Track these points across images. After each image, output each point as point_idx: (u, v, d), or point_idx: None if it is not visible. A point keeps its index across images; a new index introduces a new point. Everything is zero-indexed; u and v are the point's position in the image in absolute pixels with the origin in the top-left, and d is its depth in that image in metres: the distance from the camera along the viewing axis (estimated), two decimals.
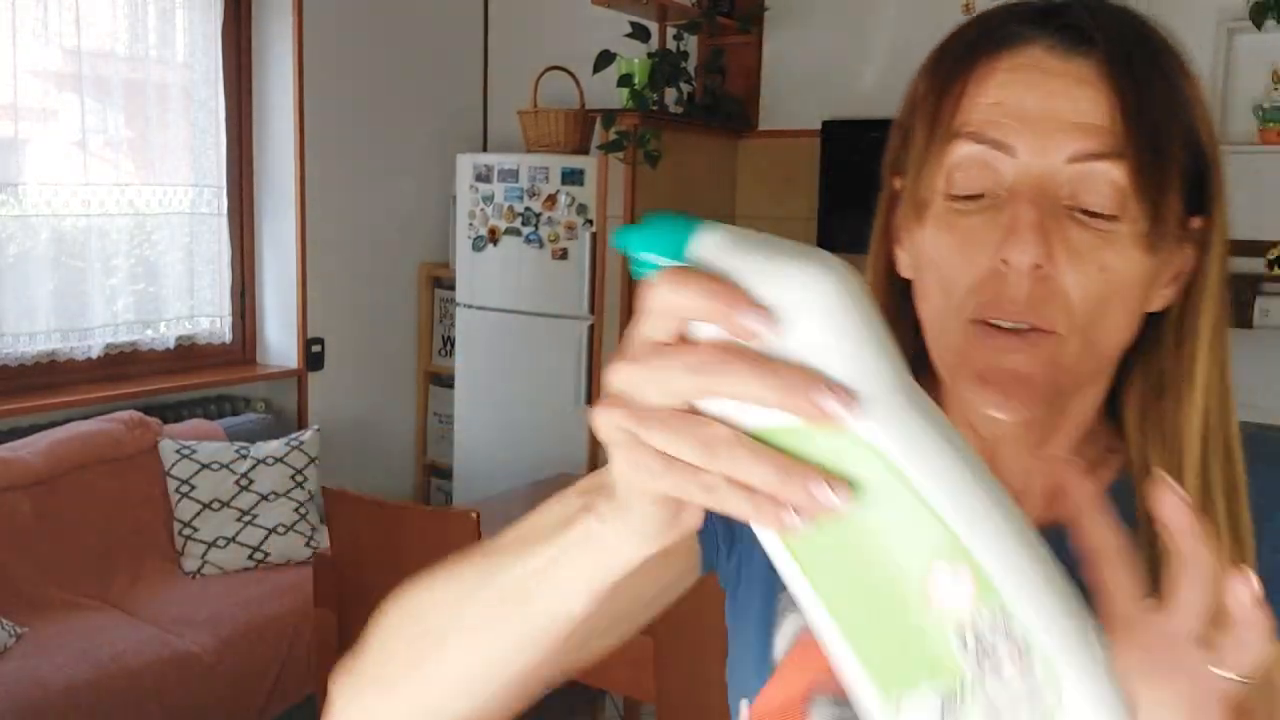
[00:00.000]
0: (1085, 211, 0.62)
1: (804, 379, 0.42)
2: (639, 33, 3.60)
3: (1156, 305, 0.67)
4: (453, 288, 4.07)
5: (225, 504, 3.18)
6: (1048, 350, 0.63)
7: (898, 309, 0.72)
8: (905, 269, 0.71)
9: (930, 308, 0.67)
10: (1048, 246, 0.61)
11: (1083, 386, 0.68)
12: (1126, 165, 0.62)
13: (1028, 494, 0.70)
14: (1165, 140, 0.63)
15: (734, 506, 0.44)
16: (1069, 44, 0.64)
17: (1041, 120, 0.63)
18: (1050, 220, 0.62)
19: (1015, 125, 0.63)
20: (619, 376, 0.45)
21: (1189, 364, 0.67)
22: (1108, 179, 0.62)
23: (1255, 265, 3.20)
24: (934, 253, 0.66)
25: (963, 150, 0.65)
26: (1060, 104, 0.63)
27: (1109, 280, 0.62)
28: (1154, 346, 0.68)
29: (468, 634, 0.60)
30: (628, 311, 3.58)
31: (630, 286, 3.56)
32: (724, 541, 0.78)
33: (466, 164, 3.89)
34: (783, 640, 0.75)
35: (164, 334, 3.60)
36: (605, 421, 0.45)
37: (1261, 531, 0.65)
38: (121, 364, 3.48)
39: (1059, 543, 0.63)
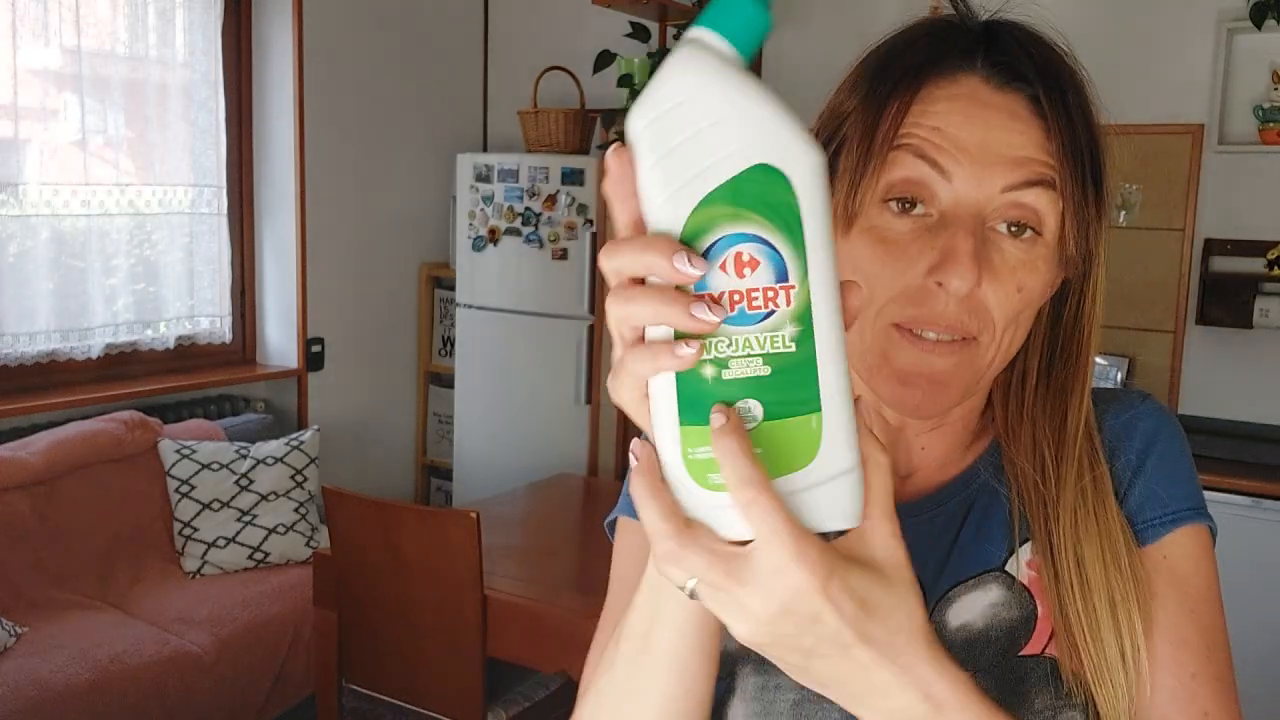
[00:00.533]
0: (1008, 233, 0.69)
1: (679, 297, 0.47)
2: (639, 33, 3.60)
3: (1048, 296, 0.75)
4: (453, 288, 4.07)
5: (225, 504, 3.18)
6: (969, 355, 0.70)
7: None
8: None
9: None
10: (979, 274, 0.67)
11: (988, 383, 0.75)
12: (1054, 194, 0.69)
13: (924, 464, 0.80)
14: (1087, 171, 0.70)
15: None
16: (1003, 78, 0.70)
17: (979, 153, 0.68)
18: (981, 247, 0.68)
19: (954, 154, 0.68)
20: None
21: (1071, 347, 0.77)
22: (1033, 205, 0.69)
23: (1255, 265, 3.20)
24: (861, 258, 0.70)
25: (902, 160, 0.69)
26: (996, 136, 0.68)
27: (1024, 297, 0.70)
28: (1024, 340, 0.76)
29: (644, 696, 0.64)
30: None
31: None
32: None
33: (466, 164, 3.90)
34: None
35: (164, 334, 3.60)
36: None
37: (1113, 466, 0.76)
38: (121, 364, 3.48)
39: (944, 503, 0.78)
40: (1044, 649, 0.73)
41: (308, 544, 3.19)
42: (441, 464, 4.33)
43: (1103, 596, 0.71)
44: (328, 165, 3.85)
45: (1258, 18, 3.03)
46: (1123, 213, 3.38)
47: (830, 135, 0.74)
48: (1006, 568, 0.75)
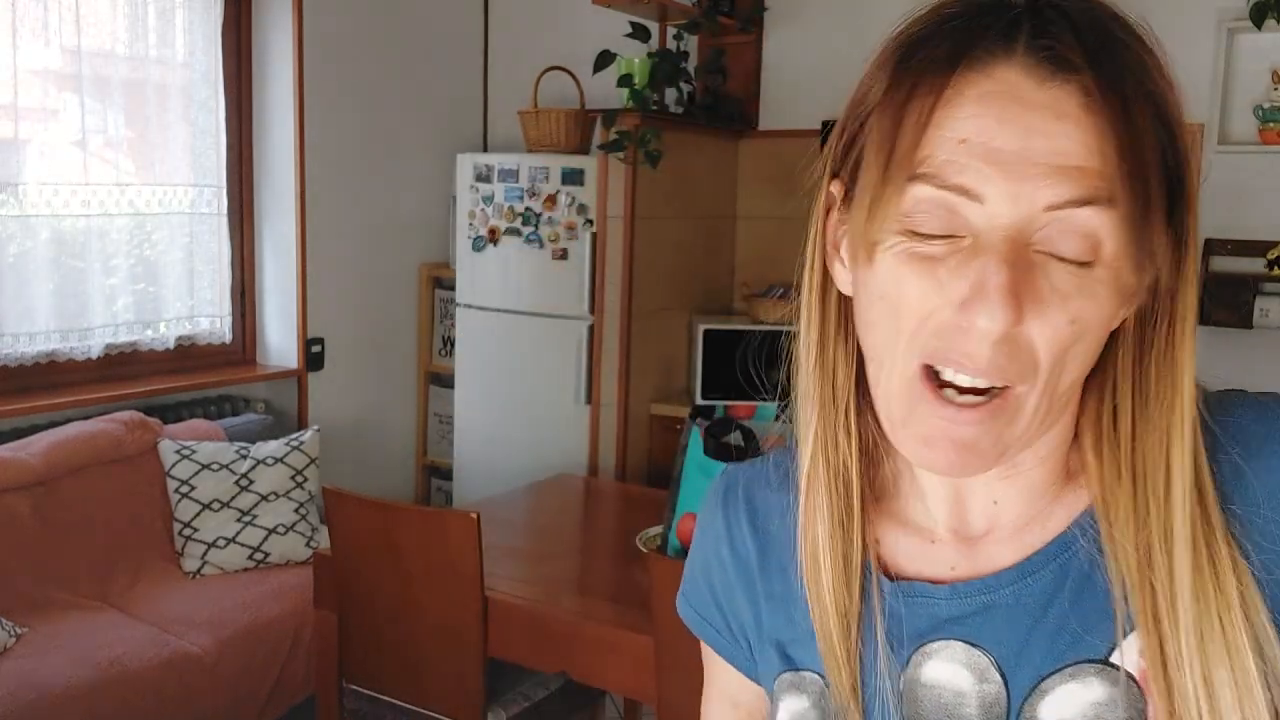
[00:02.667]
0: (1057, 256, 0.57)
1: None
2: (639, 33, 3.60)
3: (1114, 325, 0.62)
4: (453, 288, 4.07)
5: (225, 504, 3.18)
6: (1001, 413, 0.60)
7: (837, 325, 0.69)
8: (844, 285, 0.67)
9: (875, 341, 0.63)
10: (1019, 310, 0.56)
11: (1044, 430, 0.63)
12: (1112, 212, 0.56)
13: (1001, 522, 0.68)
14: (1152, 178, 0.58)
15: None
16: (1050, 67, 0.56)
17: (1016, 164, 0.56)
18: (1021, 277, 0.56)
19: (985, 169, 0.56)
20: None
21: (1165, 380, 0.62)
22: (1086, 225, 0.57)
23: (1255, 265, 3.20)
24: (886, 282, 0.60)
25: (921, 193, 0.58)
26: (1037, 143, 0.56)
27: (1077, 331, 0.58)
28: (1106, 365, 0.63)
29: None
30: (628, 312, 3.58)
31: (630, 286, 3.56)
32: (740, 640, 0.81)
33: (466, 164, 3.89)
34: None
35: (164, 334, 3.60)
36: None
37: (1245, 487, 0.62)
38: (121, 364, 3.48)
39: (1034, 572, 0.65)
40: None
41: (308, 544, 3.19)
42: (441, 464, 4.33)
43: (1234, 714, 0.58)
44: (328, 165, 3.85)
45: (1258, 18, 3.03)
46: None
47: (855, 133, 0.64)
48: (1111, 659, 0.62)
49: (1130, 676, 0.61)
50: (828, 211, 0.68)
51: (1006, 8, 0.58)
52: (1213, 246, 3.26)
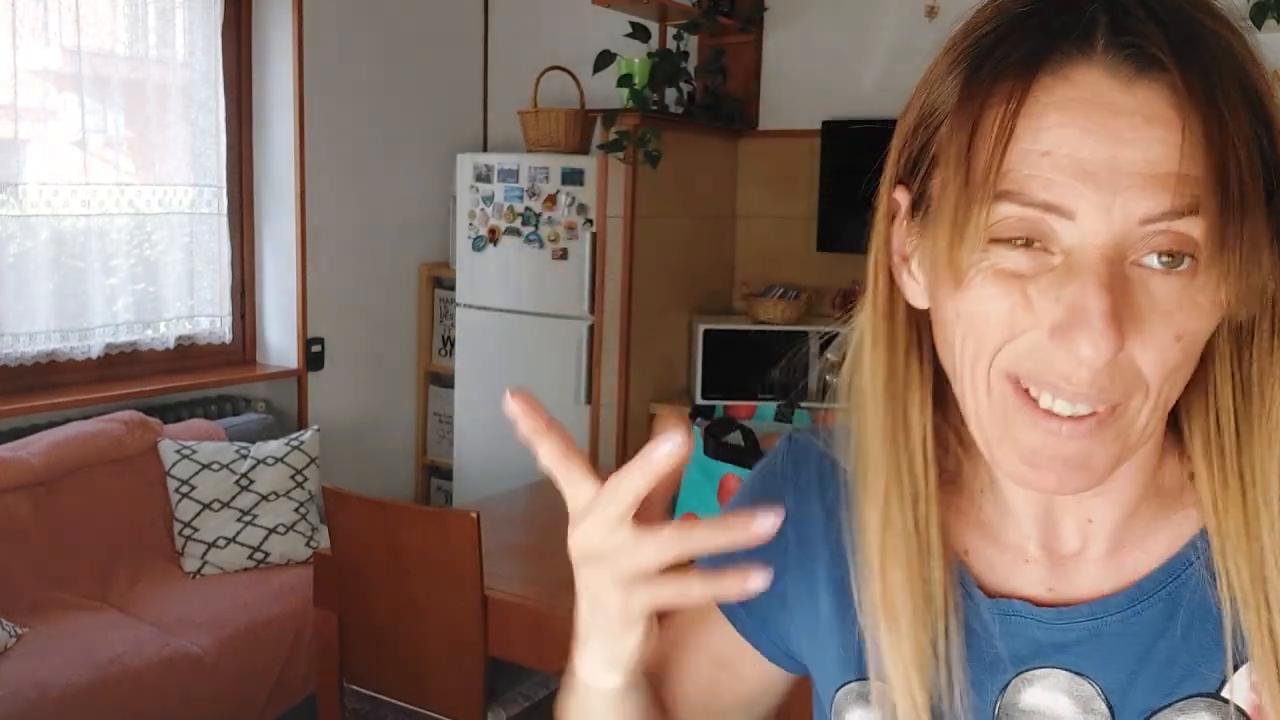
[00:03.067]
0: (1159, 265, 0.53)
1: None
2: (639, 33, 3.59)
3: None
4: (453, 288, 4.07)
5: (225, 504, 3.18)
6: (1113, 428, 0.55)
7: (908, 342, 0.64)
8: (915, 298, 0.62)
9: (957, 360, 0.58)
10: (1122, 336, 0.52)
11: (1151, 436, 0.59)
12: (1209, 220, 0.51)
13: (1092, 544, 0.65)
14: (1250, 179, 0.52)
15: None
16: (1135, 66, 0.52)
17: (1107, 175, 0.51)
18: (1121, 299, 0.52)
19: (1074, 184, 0.52)
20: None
21: (1270, 383, 0.58)
22: (1187, 234, 0.52)
23: None
24: (968, 305, 0.56)
25: (1005, 210, 0.53)
26: (1127, 152, 0.51)
27: (1185, 345, 0.54)
28: (1204, 369, 0.59)
29: None
30: (627, 312, 3.58)
31: (630, 286, 3.56)
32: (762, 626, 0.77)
33: (466, 164, 3.89)
34: None
35: (164, 334, 3.60)
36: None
37: None
38: (121, 364, 3.48)
39: (1143, 599, 0.62)
40: None
41: (308, 544, 3.19)
42: (441, 464, 4.33)
43: None
44: (328, 165, 3.85)
45: (1258, 18, 3.03)
46: None
47: (926, 140, 0.59)
48: (1223, 693, 0.60)
49: (1240, 711, 0.59)
50: (891, 219, 0.63)
51: (1082, 1, 0.54)
52: None
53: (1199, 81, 0.51)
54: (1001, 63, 0.54)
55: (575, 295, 3.65)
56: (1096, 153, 0.51)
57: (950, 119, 0.56)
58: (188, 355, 3.68)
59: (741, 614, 0.76)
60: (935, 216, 0.56)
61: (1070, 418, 0.55)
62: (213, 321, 3.74)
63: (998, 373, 0.56)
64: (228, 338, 3.80)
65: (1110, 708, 0.62)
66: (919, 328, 0.63)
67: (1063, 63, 0.53)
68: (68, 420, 3.17)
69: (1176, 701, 0.60)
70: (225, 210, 3.72)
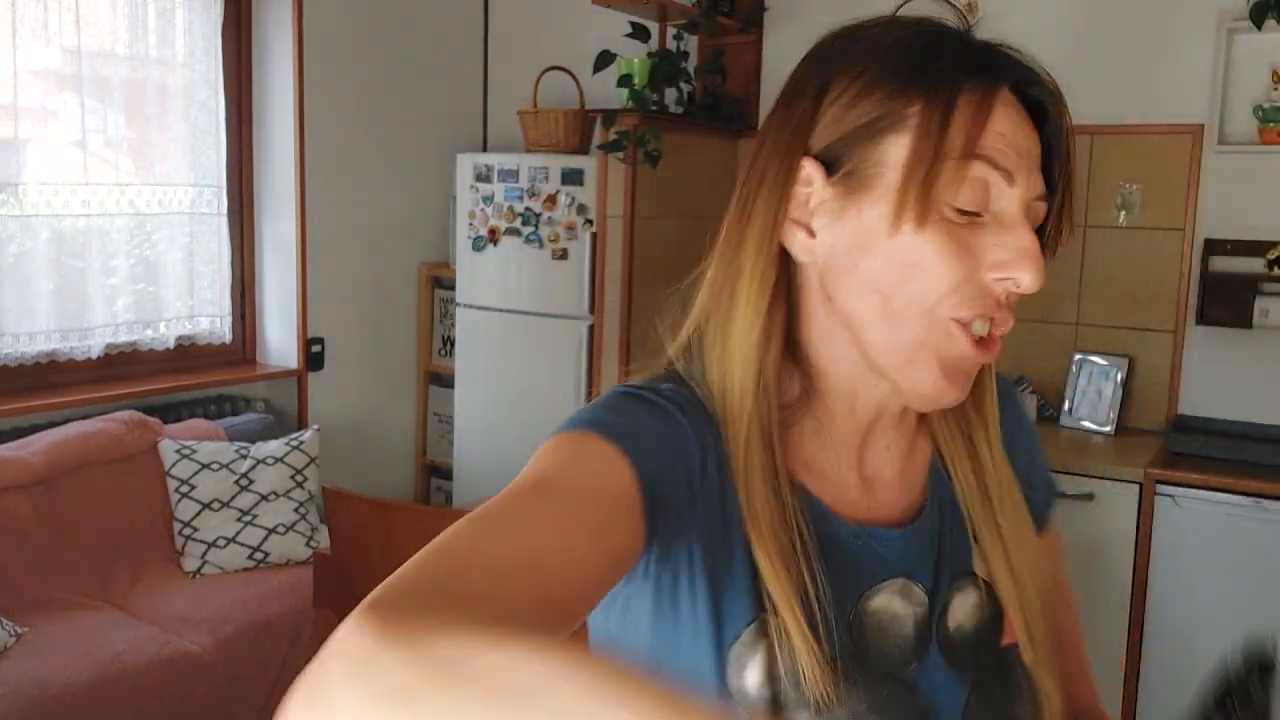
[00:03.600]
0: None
1: None
2: (639, 33, 3.60)
3: None
4: (453, 288, 4.07)
5: (225, 504, 3.18)
6: (996, 353, 0.75)
7: (780, 289, 0.77)
8: (804, 252, 0.76)
9: (885, 301, 0.73)
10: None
11: None
12: (1051, 203, 0.75)
13: (889, 467, 0.83)
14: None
15: None
16: (1033, 98, 0.74)
17: (1028, 159, 0.73)
18: None
19: (1016, 159, 0.72)
20: None
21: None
22: (1039, 214, 0.75)
23: (1255, 265, 3.20)
24: (921, 255, 0.71)
25: (977, 171, 0.71)
26: (1034, 149, 0.74)
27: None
28: None
29: None
30: (627, 312, 3.58)
31: (630, 286, 3.57)
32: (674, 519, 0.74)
33: (466, 164, 3.89)
34: (737, 669, 0.75)
35: (164, 334, 3.60)
36: None
37: (1011, 447, 0.86)
38: (121, 364, 3.48)
39: (926, 511, 0.82)
40: (1011, 639, 0.82)
41: (308, 544, 3.19)
42: (441, 464, 4.33)
43: (1034, 591, 0.82)
44: (328, 165, 3.85)
45: (1258, 18, 3.03)
46: (1123, 212, 3.38)
47: (871, 125, 0.73)
48: (975, 570, 0.82)
49: (985, 581, 0.82)
50: (788, 185, 0.75)
51: (985, 46, 0.75)
52: (1213, 246, 3.26)
53: (1058, 127, 0.75)
54: (959, 69, 0.72)
55: (575, 295, 3.65)
56: (1023, 142, 0.73)
57: (924, 102, 0.71)
58: (188, 355, 3.68)
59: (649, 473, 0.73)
60: (906, 172, 0.71)
61: (982, 340, 0.73)
62: (213, 321, 3.74)
63: (942, 312, 0.72)
64: (228, 338, 3.80)
65: (929, 598, 0.80)
66: (784, 282, 0.77)
67: (990, 80, 0.72)
68: (68, 420, 3.17)
69: (955, 581, 0.82)
70: (225, 210, 3.72)
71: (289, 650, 2.87)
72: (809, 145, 0.75)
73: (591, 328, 3.64)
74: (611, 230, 3.56)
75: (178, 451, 3.18)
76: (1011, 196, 0.72)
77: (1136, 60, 3.31)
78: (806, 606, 0.73)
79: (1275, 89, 3.14)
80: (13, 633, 2.60)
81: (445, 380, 4.26)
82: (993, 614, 0.82)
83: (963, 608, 0.81)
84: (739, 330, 0.77)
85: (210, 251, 3.70)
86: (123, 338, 3.47)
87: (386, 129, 4.09)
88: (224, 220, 3.73)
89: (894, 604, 0.79)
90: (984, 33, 0.76)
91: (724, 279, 0.78)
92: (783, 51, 3.94)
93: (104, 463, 3.07)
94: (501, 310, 3.84)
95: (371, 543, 2.28)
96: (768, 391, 0.76)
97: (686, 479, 0.74)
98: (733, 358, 0.77)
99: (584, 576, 0.66)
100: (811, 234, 0.75)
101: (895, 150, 0.72)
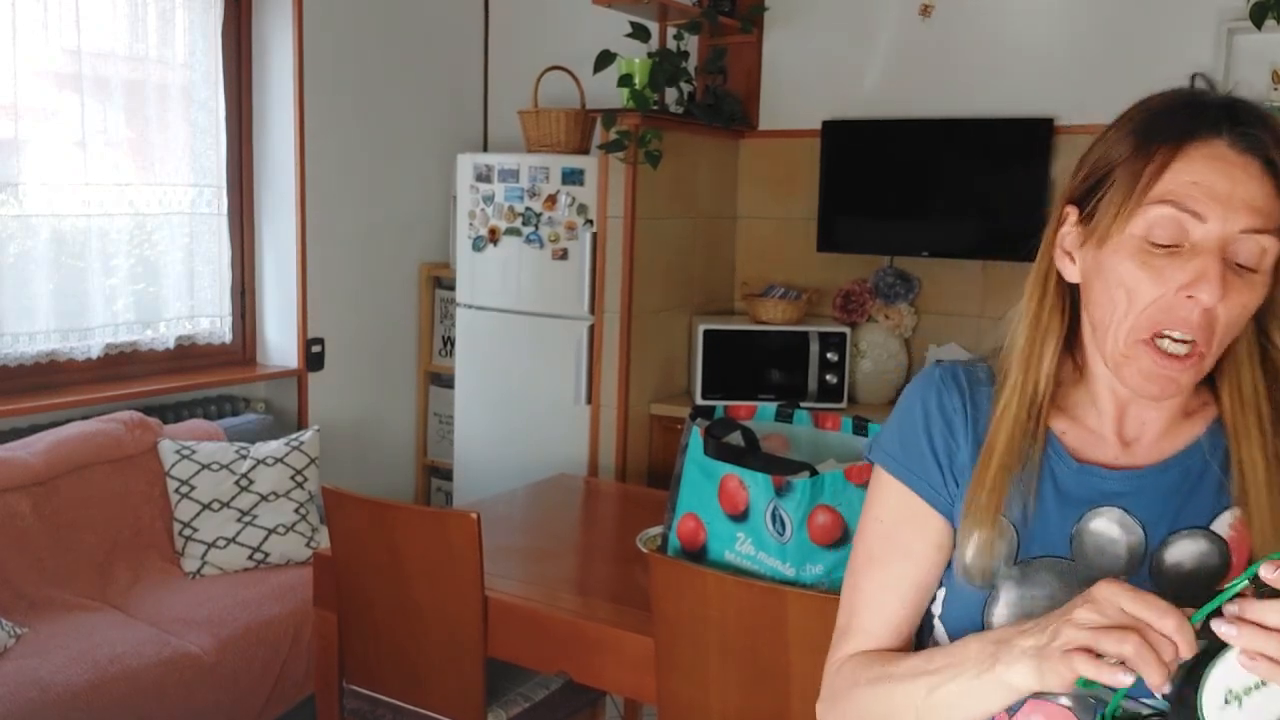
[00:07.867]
0: (1240, 264, 0.91)
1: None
2: (639, 33, 3.60)
3: None
4: (453, 288, 4.07)
5: (225, 504, 3.18)
6: (1197, 365, 0.93)
7: (1054, 302, 1.03)
8: (1072, 275, 1.01)
9: (1107, 313, 0.96)
10: (1225, 290, 0.90)
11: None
12: (1275, 239, 0.91)
13: (1146, 434, 1.03)
14: None
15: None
16: (1244, 144, 0.91)
17: (1228, 200, 0.90)
18: (1224, 272, 0.90)
19: (1208, 202, 0.90)
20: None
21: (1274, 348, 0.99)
22: (1259, 244, 0.91)
23: None
24: (1126, 276, 0.94)
25: (1163, 212, 0.92)
26: (1239, 190, 0.90)
27: (1243, 315, 0.93)
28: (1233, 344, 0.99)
29: None
30: (628, 312, 3.58)
31: (630, 286, 3.57)
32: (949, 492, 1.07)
33: (466, 164, 3.89)
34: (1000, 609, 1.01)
35: (164, 334, 3.60)
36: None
37: None
38: (121, 364, 3.48)
39: (1170, 470, 1.01)
40: None
41: (308, 544, 3.19)
42: (441, 464, 4.33)
43: None
44: (328, 165, 3.85)
45: (1258, 18, 3.03)
46: None
47: (1101, 176, 0.97)
48: (1213, 527, 0.98)
49: (1220, 538, 0.98)
50: (1059, 225, 1.02)
51: (1215, 105, 0.95)
52: None
53: (1276, 158, 0.92)
54: (1168, 128, 0.94)
55: (575, 295, 3.65)
56: (1223, 186, 0.91)
57: (1127, 159, 0.94)
58: (188, 355, 3.68)
59: (931, 489, 1.07)
60: (1105, 209, 0.95)
61: (1178, 357, 0.93)
62: (213, 322, 3.74)
63: (1139, 329, 0.94)
64: (228, 338, 3.80)
65: (1145, 532, 0.99)
66: (1064, 297, 1.03)
67: (1204, 135, 0.93)
68: (68, 420, 3.17)
69: (1184, 529, 0.99)
70: (225, 210, 3.73)
71: (289, 650, 2.87)
72: (1072, 190, 1.01)
73: (591, 328, 3.63)
74: (612, 230, 3.56)
75: (177, 452, 3.18)
76: (1206, 231, 0.90)
77: (1136, 60, 3.31)
78: (1000, 505, 1.01)
79: (1275, 89, 3.13)
80: (12, 633, 2.60)
81: (445, 380, 4.26)
82: (1216, 567, 0.97)
83: (1185, 550, 0.98)
84: (1021, 330, 1.05)
85: (210, 252, 3.70)
86: (123, 338, 3.47)
87: (386, 129, 4.09)
88: (224, 220, 3.73)
89: (1111, 529, 1.00)
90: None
91: (1026, 296, 1.06)
92: (783, 51, 3.94)
93: (104, 463, 3.07)
94: (501, 310, 3.84)
95: (371, 543, 2.28)
96: (1034, 371, 1.03)
97: (933, 451, 1.07)
98: (1014, 346, 1.05)
99: (932, 587, 1.08)
100: (1074, 261, 1.00)
101: (1111, 194, 0.95)
